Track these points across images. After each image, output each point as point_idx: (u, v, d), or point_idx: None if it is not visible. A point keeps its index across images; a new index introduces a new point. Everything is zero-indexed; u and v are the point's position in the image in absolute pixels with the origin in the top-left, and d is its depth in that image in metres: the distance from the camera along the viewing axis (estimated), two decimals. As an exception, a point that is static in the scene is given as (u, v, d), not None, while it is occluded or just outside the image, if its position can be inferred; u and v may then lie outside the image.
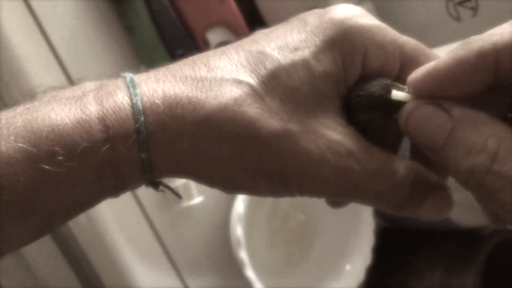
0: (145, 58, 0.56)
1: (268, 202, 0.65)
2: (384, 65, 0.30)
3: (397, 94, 0.28)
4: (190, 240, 0.59)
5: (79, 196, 0.27)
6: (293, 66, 0.28)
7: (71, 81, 0.52)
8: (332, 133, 0.28)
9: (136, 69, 0.49)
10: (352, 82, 0.30)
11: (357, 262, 0.65)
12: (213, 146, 0.27)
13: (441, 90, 0.26)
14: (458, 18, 0.53)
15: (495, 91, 0.28)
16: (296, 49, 0.29)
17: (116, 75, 0.29)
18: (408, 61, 0.30)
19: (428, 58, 0.30)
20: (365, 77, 0.30)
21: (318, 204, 0.67)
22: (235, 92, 0.27)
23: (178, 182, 0.57)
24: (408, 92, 0.28)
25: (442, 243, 0.69)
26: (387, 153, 0.29)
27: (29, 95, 0.28)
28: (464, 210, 0.54)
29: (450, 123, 0.25)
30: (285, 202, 0.66)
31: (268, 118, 0.27)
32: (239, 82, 0.28)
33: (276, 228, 0.66)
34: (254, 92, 0.28)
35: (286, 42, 0.29)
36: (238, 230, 0.56)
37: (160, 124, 0.27)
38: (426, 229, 0.70)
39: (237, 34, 0.56)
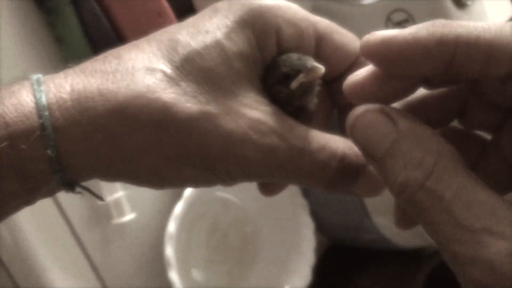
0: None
1: (207, 220, 0.64)
2: (299, 43, 0.30)
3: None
4: (122, 259, 0.57)
5: None
6: (205, 48, 0.28)
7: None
8: (254, 112, 0.28)
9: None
10: (269, 61, 0.30)
11: (296, 282, 0.64)
12: (130, 136, 0.27)
13: (392, 64, 0.25)
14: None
15: (445, 95, 0.28)
16: (207, 32, 0.29)
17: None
18: (322, 39, 0.30)
19: (342, 36, 0.31)
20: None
21: (259, 221, 0.66)
22: (148, 79, 0.27)
23: (109, 198, 0.55)
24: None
25: (385, 263, 0.69)
26: (314, 130, 0.29)
27: None
28: (404, 231, 0.54)
29: (394, 133, 0.25)
30: (224, 219, 0.65)
31: (185, 102, 0.27)
32: (152, 69, 0.28)
33: (215, 247, 0.64)
34: (168, 78, 0.27)
35: (197, 28, 0.29)
36: (168, 250, 0.54)
37: (69, 119, 0.26)
38: (369, 248, 0.69)
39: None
